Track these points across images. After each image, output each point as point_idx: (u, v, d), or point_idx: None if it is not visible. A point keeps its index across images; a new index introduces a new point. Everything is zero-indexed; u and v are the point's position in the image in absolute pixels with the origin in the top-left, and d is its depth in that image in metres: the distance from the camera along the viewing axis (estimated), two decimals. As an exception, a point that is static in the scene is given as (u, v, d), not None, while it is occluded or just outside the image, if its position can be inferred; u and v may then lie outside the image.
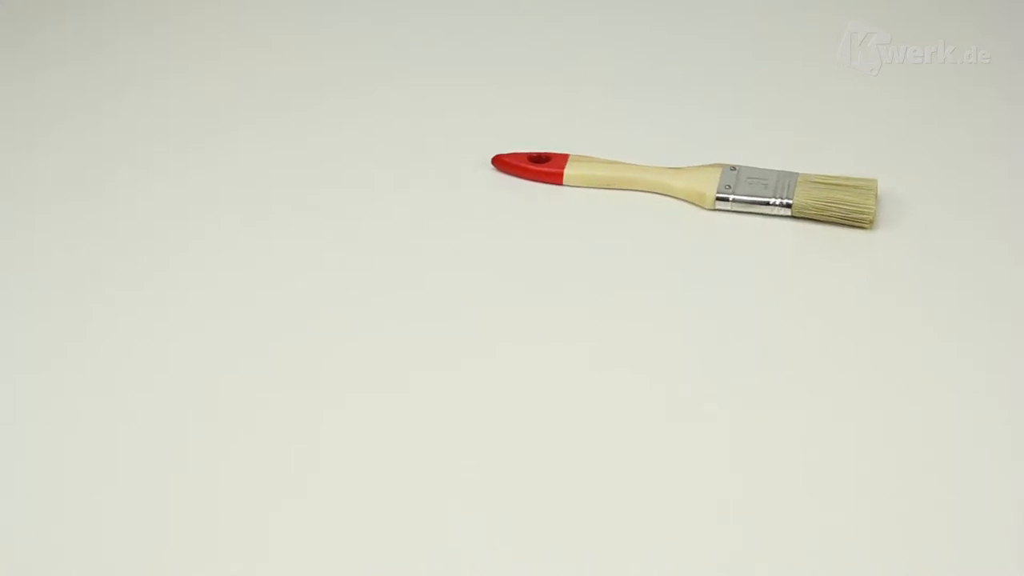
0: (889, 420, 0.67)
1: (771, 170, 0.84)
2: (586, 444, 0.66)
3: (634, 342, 0.73)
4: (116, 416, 0.69)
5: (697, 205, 0.83)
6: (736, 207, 0.82)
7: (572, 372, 0.71)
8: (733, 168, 0.83)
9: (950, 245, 0.80)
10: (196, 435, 0.67)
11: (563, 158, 0.85)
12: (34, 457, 0.66)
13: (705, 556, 0.60)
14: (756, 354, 0.72)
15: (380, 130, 0.92)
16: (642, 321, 0.74)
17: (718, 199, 0.82)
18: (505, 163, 0.86)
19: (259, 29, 1.06)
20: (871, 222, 0.81)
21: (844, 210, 0.80)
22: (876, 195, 0.81)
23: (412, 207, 0.84)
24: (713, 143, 0.90)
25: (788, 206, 0.81)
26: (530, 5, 1.08)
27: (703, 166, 0.84)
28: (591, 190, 0.85)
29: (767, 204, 0.82)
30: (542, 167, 0.85)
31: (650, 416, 0.68)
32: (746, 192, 0.82)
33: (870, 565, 0.60)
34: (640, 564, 0.60)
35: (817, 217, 0.81)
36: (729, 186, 0.82)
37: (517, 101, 0.95)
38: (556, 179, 0.84)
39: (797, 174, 0.83)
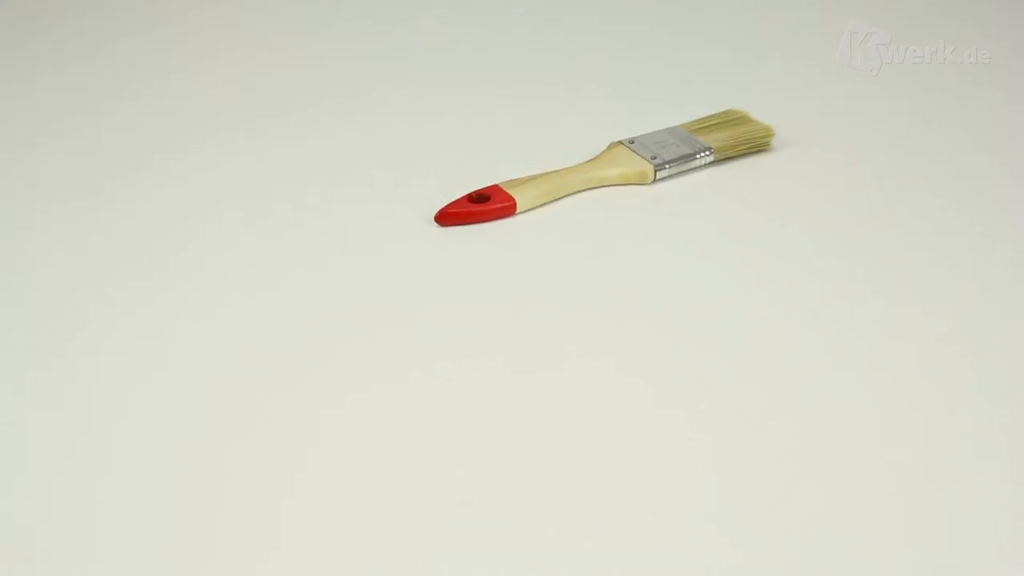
0: (896, 424, 0.67)
1: (656, 132, 0.87)
2: (585, 445, 0.66)
3: (655, 338, 0.73)
4: (116, 415, 0.68)
5: (639, 184, 0.85)
6: (672, 172, 0.85)
7: (586, 375, 0.71)
8: (631, 141, 0.86)
9: (950, 243, 0.80)
10: (196, 434, 0.67)
11: (496, 189, 0.81)
12: (34, 456, 0.66)
13: (698, 553, 0.61)
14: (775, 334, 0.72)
15: (380, 130, 0.92)
16: (666, 316, 0.74)
17: (657, 170, 0.84)
18: (452, 215, 0.80)
19: (259, 29, 1.06)
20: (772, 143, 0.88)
21: (752, 139, 0.88)
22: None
23: (412, 207, 0.84)
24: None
25: (710, 154, 0.86)
26: (530, 5, 1.08)
27: (607, 151, 0.86)
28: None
29: (694, 159, 0.85)
30: (491, 205, 0.80)
31: (647, 416, 0.68)
32: (672, 156, 0.85)
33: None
34: (634, 562, 0.60)
35: (733, 154, 0.87)
36: (655, 156, 0.84)
37: (517, 101, 0.95)
38: (510, 211, 0.81)
39: (676, 127, 0.88)
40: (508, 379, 0.71)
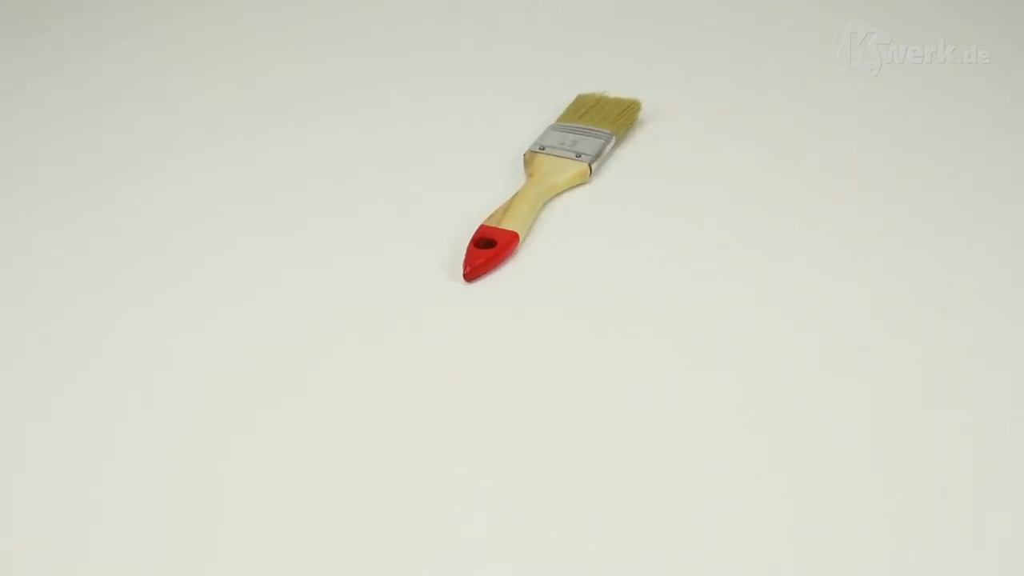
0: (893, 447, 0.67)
1: (547, 133, 0.89)
2: (585, 445, 0.66)
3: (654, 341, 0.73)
4: (116, 415, 0.68)
5: (581, 184, 0.86)
6: (599, 165, 0.87)
7: (576, 375, 0.71)
8: (542, 148, 0.87)
9: (950, 243, 0.80)
10: (194, 435, 0.67)
11: (488, 229, 0.79)
12: (35, 456, 0.66)
13: (693, 552, 0.61)
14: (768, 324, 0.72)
15: (380, 130, 0.92)
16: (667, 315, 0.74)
17: (591, 167, 0.86)
18: (479, 268, 0.77)
19: (259, 29, 1.06)
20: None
21: (629, 115, 0.91)
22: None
23: (412, 207, 0.84)
24: (714, 141, 0.90)
25: (613, 138, 0.88)
26: (530, 5, 1.08)
27: (534, 162, 0.86)
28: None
29: (607, 147, 0.88)
30: (502, 246, 0.78)
31: (648, 415, 0.68)
32: (593, 151, 0.87)
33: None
34: (635, 563, 0.60)
35: (623, 134, 0.90)
36: (579, 155, 0.86)
37: (517, 101, 0.94)
38: (515, 244, 0.79)
39: (557, 123, 0.90)
40: (509, 380, 0.71)
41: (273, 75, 0.99)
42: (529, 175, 0.85)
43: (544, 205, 0.84)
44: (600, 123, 0.90)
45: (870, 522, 0.62)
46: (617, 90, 0.95)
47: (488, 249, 0.78)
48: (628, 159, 0.89)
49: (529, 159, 0.86)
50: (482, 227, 0.79)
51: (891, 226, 0.82)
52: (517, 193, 0.83)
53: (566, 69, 0.99)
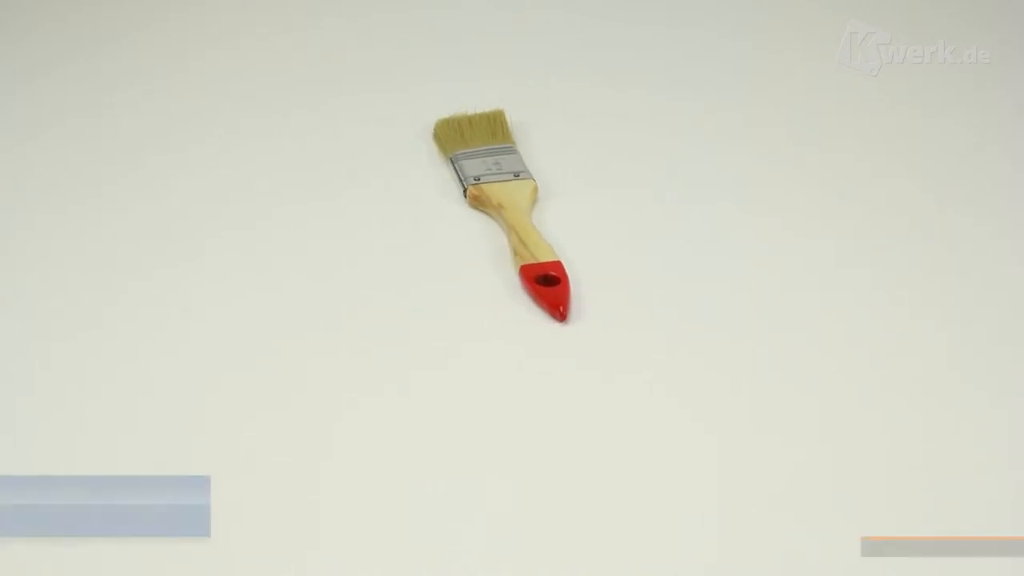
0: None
1: (464, 164, 0.86)
2: (586, 445, 0.66)
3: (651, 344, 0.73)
4: (116, 417, 0.68)
5: (536, 199, 0.84)
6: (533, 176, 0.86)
7: (563, 371, 0.71)
8: (478, 179, 0.85)
9: (950, 243, 0.80)
10: (195, 435, 0.67)
11: (535, 267, 0.77)
12: (36, 458, 0.66)
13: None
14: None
15: (381, 129, 0.92)
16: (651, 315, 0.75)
17: (534, 183, 0.85)
18: (566, 301, 0.75)
19: (259, 29, 1.06)
20: None
21: (504, 125, 0.90)
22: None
23: (413, 206, 0.84)
24: (713, 142, 0.90)
25: (516, 150, 0.88)
26: (530, 5, 1.08)
27: (487, 195, 0.83)
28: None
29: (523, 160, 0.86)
30: (564, 279, 0.76)
31: (649, 416, 0.68)
32: (519, 167, 0.86)
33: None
34: (635, 563, 0.60)
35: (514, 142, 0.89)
36: (517, 174, 0.85)
37: (519, 100, 0.94)
38: (563, 269, 0.78)
39: (456, 153, 0.87)
40: (512, 380, 0.71)
41: (273, 75, 0.99)
42: (498, 206, 0.82)
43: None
44: (492, 140, 0.88)
45: (872, 522, 0.62)
46: (618, 88, 0.95)
47: (559, 285, 0.76)
48: (629, 159, 0.89)
49: (478, 194, 0.84)
50: (526, 267, 0.77)
51: (891, 226, 0.82)
52: (513, 226, 0.80)
53: (567, 69, 0.99)
